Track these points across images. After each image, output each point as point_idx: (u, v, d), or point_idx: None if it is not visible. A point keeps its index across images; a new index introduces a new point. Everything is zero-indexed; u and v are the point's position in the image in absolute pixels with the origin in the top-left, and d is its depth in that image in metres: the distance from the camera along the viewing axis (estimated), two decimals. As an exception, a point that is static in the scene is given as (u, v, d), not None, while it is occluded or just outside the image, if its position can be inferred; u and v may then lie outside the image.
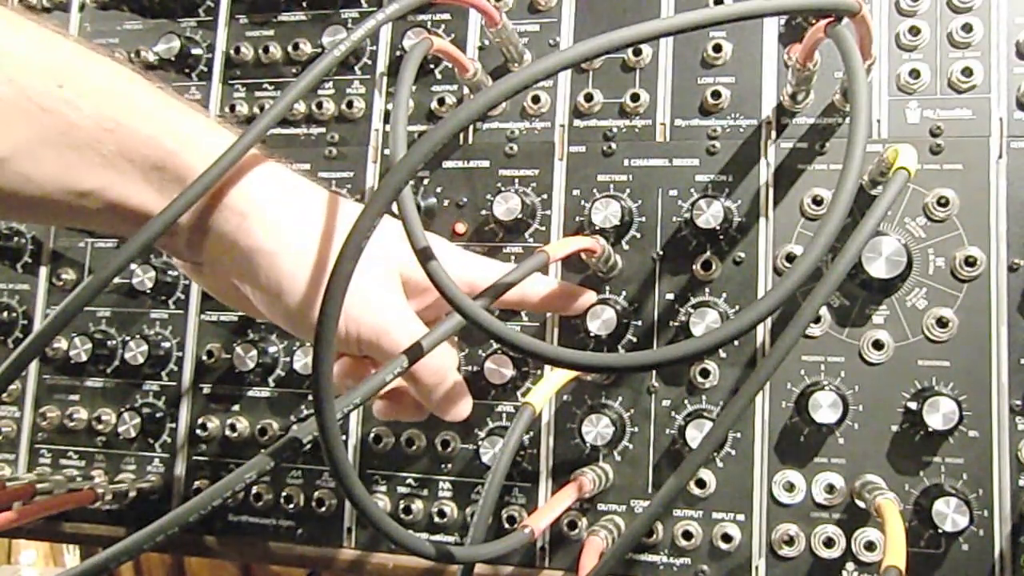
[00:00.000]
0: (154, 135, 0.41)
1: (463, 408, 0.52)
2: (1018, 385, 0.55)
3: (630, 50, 0.63)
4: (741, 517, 0.58)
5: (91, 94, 0.39)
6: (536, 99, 0.65)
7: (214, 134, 0.44)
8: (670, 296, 0.61)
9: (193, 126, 0.43)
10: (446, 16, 0.68)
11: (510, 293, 0.50)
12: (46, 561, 1.43)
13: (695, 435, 0.57)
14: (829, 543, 0.56)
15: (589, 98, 0.64)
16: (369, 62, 0.70)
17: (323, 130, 0.70)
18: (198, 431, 0.68)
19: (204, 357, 0.69)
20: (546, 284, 0.58)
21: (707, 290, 0.60)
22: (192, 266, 0.48)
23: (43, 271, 0.74)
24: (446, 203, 0.66)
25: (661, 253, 0.61)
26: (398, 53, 0.69)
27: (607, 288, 0.62)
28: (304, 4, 0.72)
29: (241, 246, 0.44)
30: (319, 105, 0.69)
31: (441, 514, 0.63)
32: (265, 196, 0.45)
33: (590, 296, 0.60)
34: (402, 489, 0.65)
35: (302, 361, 0.67)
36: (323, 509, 0.65)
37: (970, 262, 0.56)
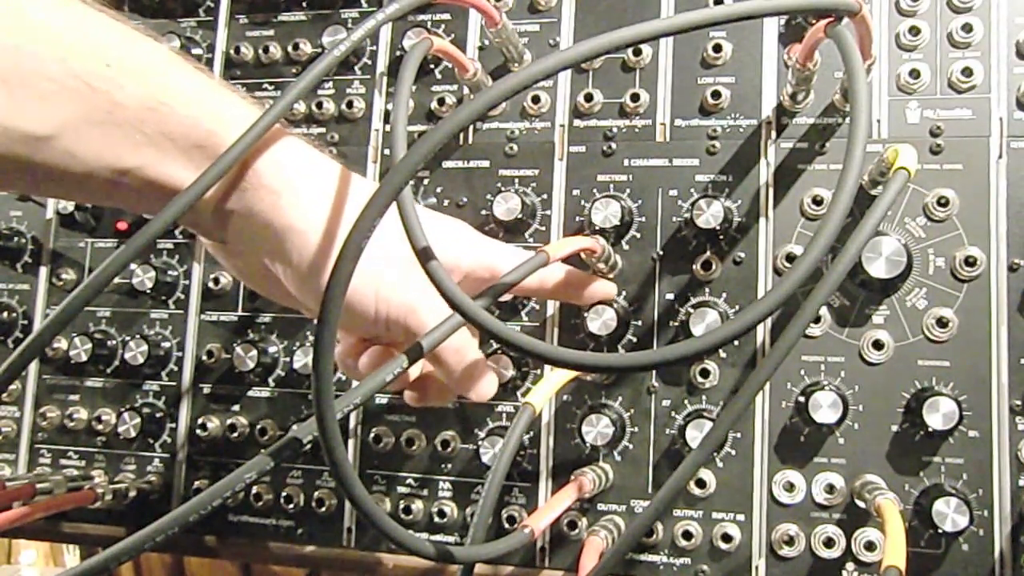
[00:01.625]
0: (193, 115, 0.42)
1: (486, 386, 0.52)
2: (1018, 385, 0.55)
3: (630, 50, 0.63)
4: (741, 517, 0.58)
5: (136, 74, 0.40)
6: (536, 99, 0.65)
7: (251, 115, 0.44)
8: (670, 296, 0.61)
9: (231, 107, 0.44)
10: (446, 16, 0.68)
11: (528, 280, 0.50)
12: (46, 561, 1.43)
13: (695, 435, 0.57)
14: (829, 543, 0.56)
15: (589, 98, 0.64)
16: (369, 62, 0.70)
17: (323, 130, 0.70)
18: (198, 431, 0.68)
19: (204, 357, 0.69)
20: (561, 271, 0.58)
21: (707, 290, 0.60)
22: (219, 246, 0.49)
23: (43, 271, 0.74)
24: (446, 203, 0.66)
25: (661, 253, 0.61)
26: (398, 53, 0.69)
27: (607, 288, 0.62)
28: (304, 4, 0.72)
29: (275, 225, 0.45)
30: (319, 105, 0.69)
31: (441, 514, 0.63)
32: (297, 175, 0.45)
33: (602, 285, 0.60)
34: (402, 489, 0.65)
35: (302, 361, 0.67)
36: (323, 509, 0.65)
37: (970, 262, 0.56)
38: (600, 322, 0.59)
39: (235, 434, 0.67)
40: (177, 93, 0.42)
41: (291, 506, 0.66)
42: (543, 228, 0.64)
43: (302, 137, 0.48)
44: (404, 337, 0.48)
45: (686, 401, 0.60)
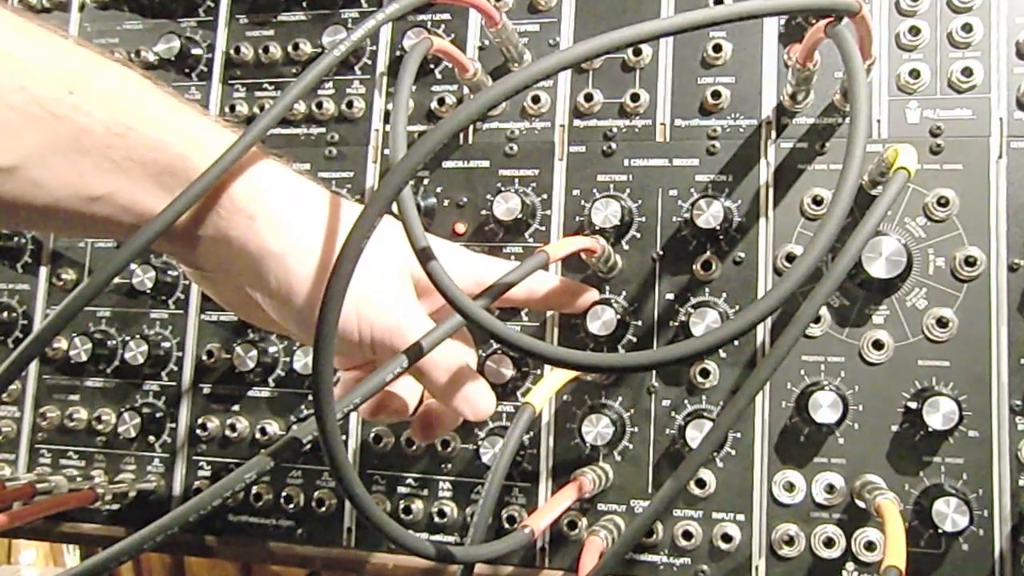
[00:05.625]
0: (163, 139, 0.41)
1: (480, 404, 0.50)
2: (1018, 385, 0.55)
3: (630, 50, 0.63)
4: (741, 517, 0.58)
5: (101, 100, 0.39)
6: (536, 99, 0.65)
7: (222, 138, 0.44)
8: (670, 296, 0.61)
9: (202, 130, 0.43)
10: (446, 16, 0.68)
11: (516, 290, 0.50)
12: (46, 561, 1.43)
13: (695, 435, 0.57)
14: (829, 543, 0.56)
15: (589, 98, 0.64)
16: (369, 62, 0.70)
17: (323, 130, 0.70)
18: (198, 431, 0.68)
19: (204, 357, 0.69)
20: (551, 281, 0.58)
21: (707, 290, 0.60)
22: (199, 273, 0.48)
23: (43, 271, 0.74)
24: (446, 203, 0.66)
25: (661, 253, 0.61)
26: (398, 53, 0.69)
27: (607, 288, 0.62)
28: (304, 4, 0.72)
29: (251, 249, 0.44)
30: (319, 105, 0.69)
31: (441, 514, 0.63)
32: (272, 198, 0.45)
33: (592, 294, 0.60)
34: (402, 489, 0.65)
35: (302, 361, 0.67)
36: (323, 509, 0.65)
37: (970, 262, 0.56)
38: (600, 322, 0.59)
39: (235, 434, 0.67)
40: (145, 118, 0.41)
41: (291, 506, 0.66)
42: (543, 228, 0.64)
43: (280, 160, 0.47)
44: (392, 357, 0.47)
45: (686, 401, 0.60)
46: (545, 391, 0.55)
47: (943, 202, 0.56)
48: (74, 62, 0.39)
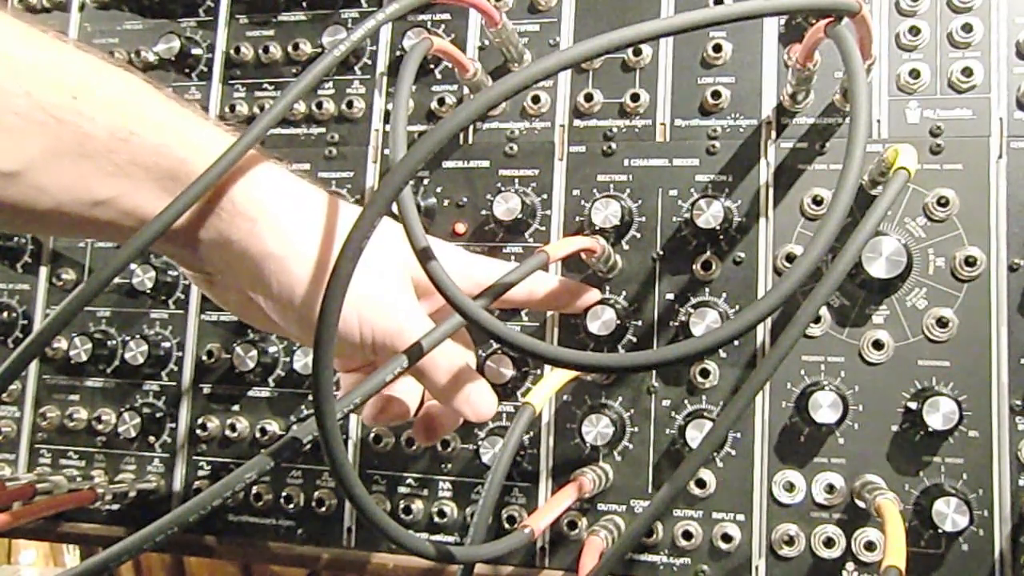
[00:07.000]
0: (165, 144, 0.41)
1: (481, 405, 0.49)
2: (1018, 385, 0.55)
3: (630, 50, 0.63)
4: (741, 517, 0.58)
5: (105, 105, 0.40)
6: (536, 99, 0.65)
7: (224, 142, 0.44)
8: (670, 296, 0.61)
9: (204, 135, 0.44)
10: (446, 16, 0.68)
11: (516, 290, 0.50)
12: (46, 561, 1.43)
13: (695, 435, 0.57)
14: (829, 543, 0.56)
15: (589, 98, 0.64)
16: (369, 62, 0.70)
17: (323, 130, 0.70)
18: (198, 431, 0.68)
19: (204, 357, 0.69)
20: (551, 281, 0.58)
21: (707, 290, 0.60)
22: (201, 277, 0.48)
23: (43, 271, 0.74)
24: (446, 203, 0.66)
25: (661, 253, 0.61)
26: (398, 53, 0.69)
27: (607, 288, 0.62)
28: (304, 4, 0.72)
29: (252, 253, 0.44)
30: (319, 105, 0.69)
31: (441, 514, 0.63)
32: (273, 201, 0.45)
33: (593, 294, 0.60)
34: (402, 489, 0.65)
35: (302, 361, 0.67)
36: (323, 509, 0.65)
37: (970, 262, 0.56)
38: (600, 322, 0.59)
39: (235, 434, 0.67)
40: (148, 122, 0.41)
41: (291, 506, 0.66)
42: (543, 228, 0.64)
43: (280, 163, 0.47)
44: None
45: (686, 401, 0.60)
46: (545, 391, 0.55)
47: (943, 202, 0.56)
48: (77, 67, 0.40)
